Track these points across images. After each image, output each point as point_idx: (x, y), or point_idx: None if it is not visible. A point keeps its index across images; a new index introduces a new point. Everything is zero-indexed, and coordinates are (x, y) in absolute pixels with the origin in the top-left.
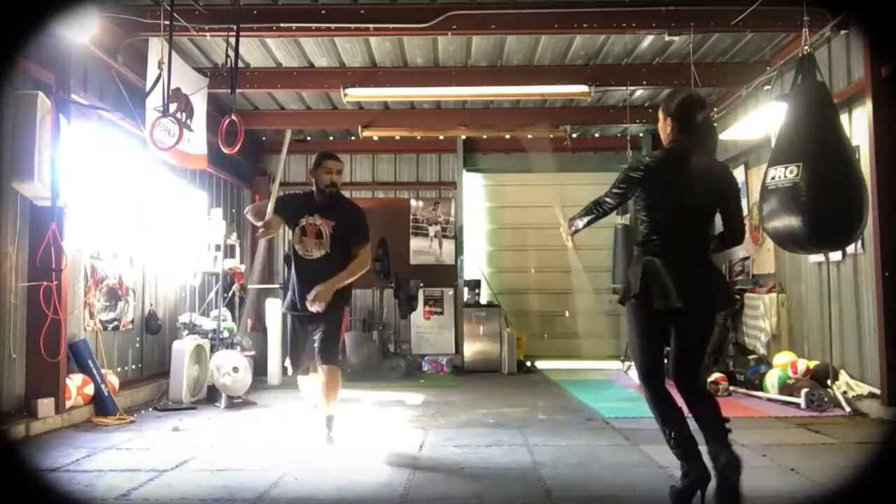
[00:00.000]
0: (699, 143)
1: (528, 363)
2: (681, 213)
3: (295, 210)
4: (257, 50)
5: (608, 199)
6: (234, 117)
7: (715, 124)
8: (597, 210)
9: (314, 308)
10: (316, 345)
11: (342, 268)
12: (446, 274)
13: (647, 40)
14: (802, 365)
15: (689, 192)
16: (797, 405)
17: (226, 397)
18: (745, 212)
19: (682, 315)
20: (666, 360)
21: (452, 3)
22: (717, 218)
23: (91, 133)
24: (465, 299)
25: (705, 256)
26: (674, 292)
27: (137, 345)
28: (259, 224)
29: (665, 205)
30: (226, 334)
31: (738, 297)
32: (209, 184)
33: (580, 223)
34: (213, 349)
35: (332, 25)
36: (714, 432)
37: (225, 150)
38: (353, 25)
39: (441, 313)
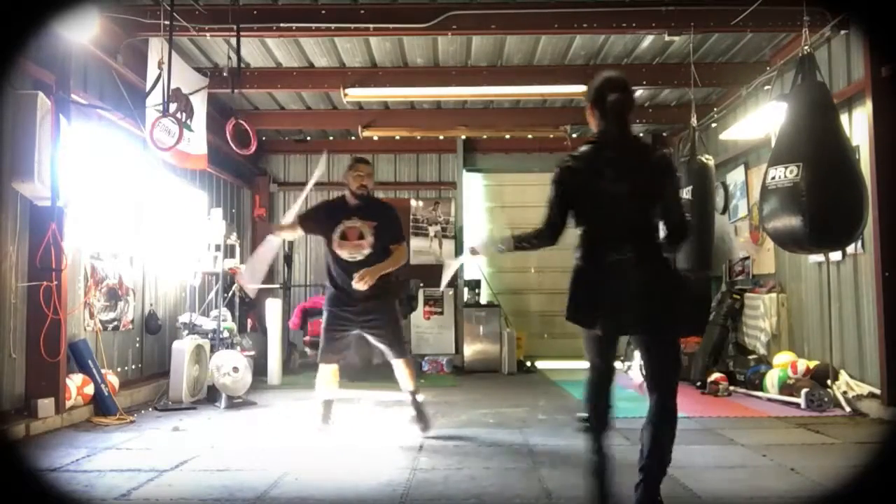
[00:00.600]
0: (618, 127)
1: (528, 363)
2: (607, 210)
3: (329, 217)
4: (257, 50)
5: (546, 216)
6: (240, 120)
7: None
8: (544, 231)
9: (360, 286)
10: (383, 347)
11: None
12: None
13: (647, 40)
14: (802, 365)
15: (614, 184)
16: (797, 405)
17: (226, 397)
18: (745, 212)
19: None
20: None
21: (452, 3)
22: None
23: (91, 133)
24: (465, 299)
25: (650, 256)
26: (607, 308)
27: (137, 345)
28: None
29: (590, 202)
30: (226, 334)
31: (737, 296)
32: (209, 184)
33: (508, 245)
34: (213, 349)
35: (332, 25)
36: (657, 464)
37: (240, 152)
38: (353, 25)
39: (441, 313)
